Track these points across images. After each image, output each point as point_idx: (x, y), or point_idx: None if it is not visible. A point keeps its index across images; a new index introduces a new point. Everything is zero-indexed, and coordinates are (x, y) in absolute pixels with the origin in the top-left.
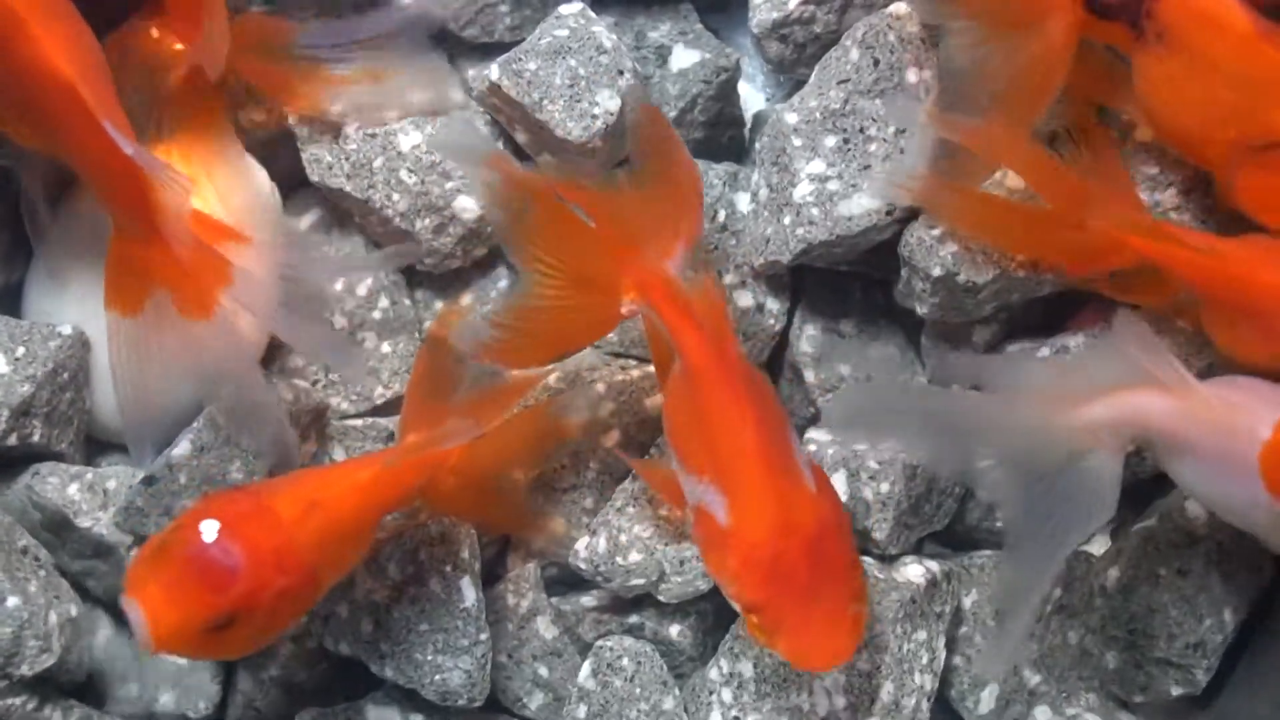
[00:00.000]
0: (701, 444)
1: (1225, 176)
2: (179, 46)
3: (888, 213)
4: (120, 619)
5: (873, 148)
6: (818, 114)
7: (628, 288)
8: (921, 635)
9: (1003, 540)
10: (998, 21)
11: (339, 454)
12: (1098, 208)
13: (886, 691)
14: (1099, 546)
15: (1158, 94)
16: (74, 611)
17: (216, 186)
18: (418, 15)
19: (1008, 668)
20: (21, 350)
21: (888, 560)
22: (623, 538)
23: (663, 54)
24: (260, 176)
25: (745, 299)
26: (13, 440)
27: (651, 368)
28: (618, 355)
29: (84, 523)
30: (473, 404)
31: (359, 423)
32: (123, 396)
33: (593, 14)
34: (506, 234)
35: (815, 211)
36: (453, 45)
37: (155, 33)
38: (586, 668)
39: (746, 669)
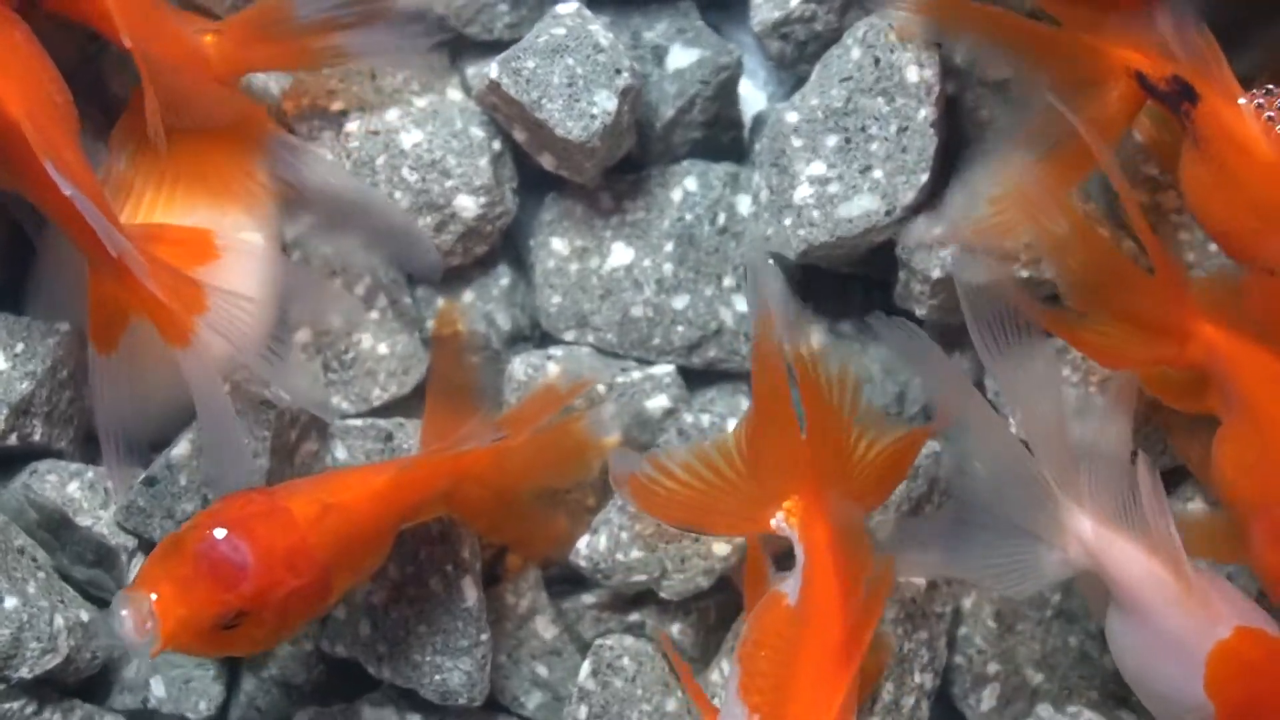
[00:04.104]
0: (771, 682)
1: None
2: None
3: (887, 213)
4: None
5: (874, 147)
6: (819, 113)
7: (790, 506)
8: (923, 635)
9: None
10: (1060, 80)
11: (339, 453)
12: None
13: (887, 691)
14: None
15: (1192, 190)
16: (84, 616)
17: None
18: (413, 12)
19: None
20: (21, 347)
21: None
22: (624, 535)
23: (659, 53)
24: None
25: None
26: (13, 440)
27: (653, 369)
28: (618, 356)
29: (84, 521)
30: (503, 416)
31: (359, 422)
32: (102, 432)
33: (589, 13)
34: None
35: (815, 213)
36: (453, 42)
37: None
38: (586, 667)
39: None
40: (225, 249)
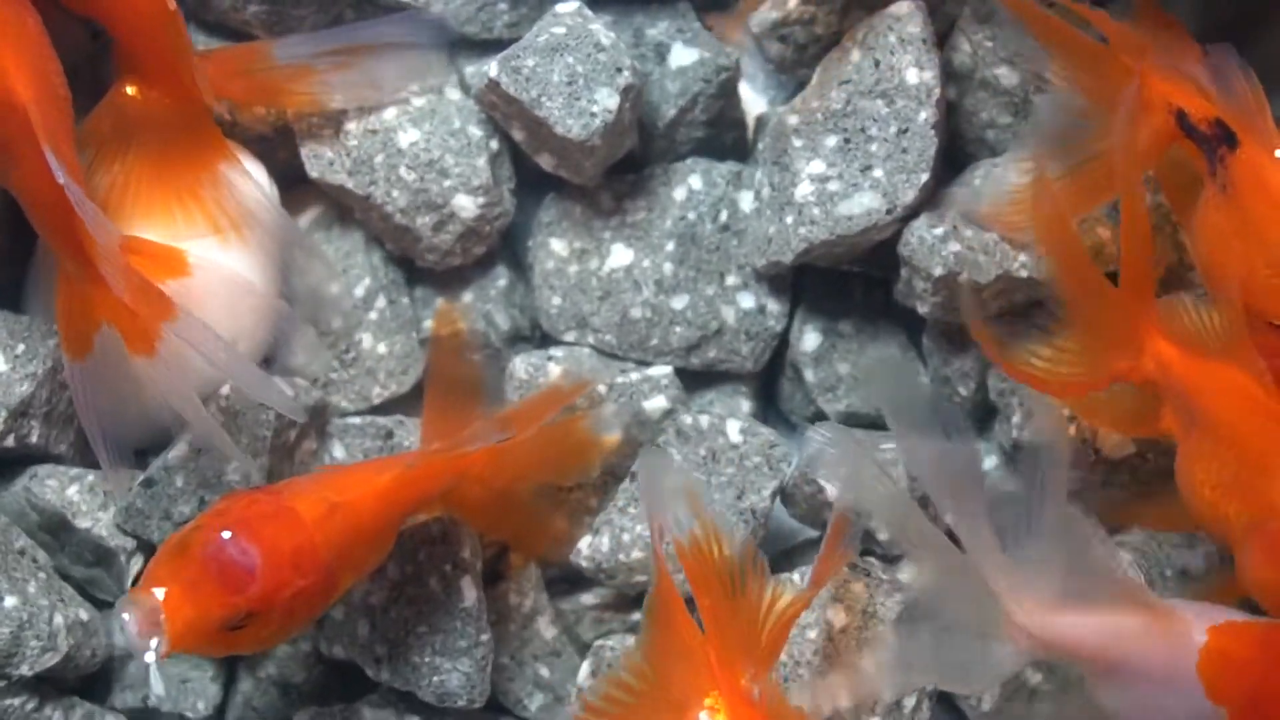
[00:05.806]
0: None
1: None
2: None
3: (888, 212)
4: None
5: (874, 148)
6: (819, 115)
7: (711, 704)
8: None
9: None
10: (1097, 100)
11: (339, 451)
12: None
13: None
14: None
15: (1205, 234)
16: (84, 615)
17: (209, 200)
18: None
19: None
20: (21, 348)
21: (891, 561)
22: (625, 536)
23: (661, 52)
24: (259, 177)
25: (747, 300)
26: (10, 441)
27: (650, 370)
28: (616, 357)
29: (83, 524)
30: (504, 414)
31: (358, 420)
32: (90, 436)
33: (589, 12)
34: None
35: (816, 211)
36: (452, 41)
37: (130, 89)
38: (586, 668)
39: None
40: (197, 267)
